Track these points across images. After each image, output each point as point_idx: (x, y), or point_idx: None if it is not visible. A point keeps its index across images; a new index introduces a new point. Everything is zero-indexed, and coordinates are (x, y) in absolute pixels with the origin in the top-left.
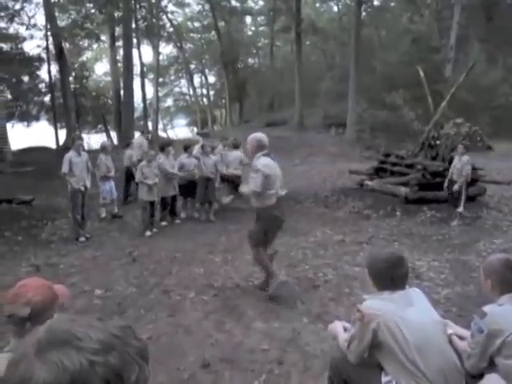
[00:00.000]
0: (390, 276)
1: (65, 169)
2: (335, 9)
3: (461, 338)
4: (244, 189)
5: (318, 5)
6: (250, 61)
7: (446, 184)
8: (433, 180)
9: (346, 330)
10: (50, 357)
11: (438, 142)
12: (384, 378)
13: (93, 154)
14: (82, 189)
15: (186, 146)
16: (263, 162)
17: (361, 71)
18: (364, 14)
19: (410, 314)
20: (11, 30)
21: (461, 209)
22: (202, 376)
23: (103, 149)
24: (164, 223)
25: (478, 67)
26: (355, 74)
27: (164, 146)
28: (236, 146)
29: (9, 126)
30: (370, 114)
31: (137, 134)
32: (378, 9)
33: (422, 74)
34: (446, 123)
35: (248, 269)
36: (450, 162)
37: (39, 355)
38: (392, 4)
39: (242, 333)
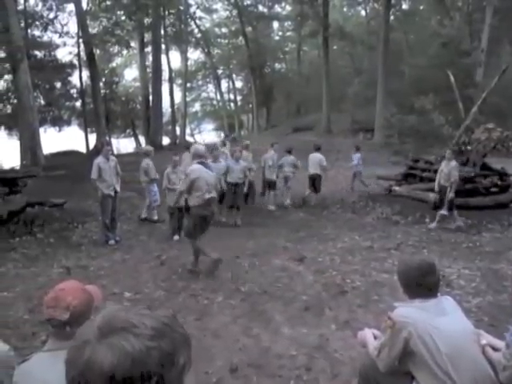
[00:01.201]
0: (422, 283)
1: (94, 174)
2: (363, 13)
3: (495, 348)
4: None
5: (345, 9)
6: (277, 66)
7: (437, 188)
8: (463, 186)
9: (375, 337)
10: (112, 342)
11: (468, 148)
12: None
13: (120, 157)
14: (112, 194)
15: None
16: (193, 169)
17: (389, 75)
18: (392, 17)
19: (443, 322)
20: (45, 38)
21: (444, 211)
22: (230, 380)
23: (148, 154)
24: (176, 237)
25: (511, 71)
26: (383, 79)
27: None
28: (289, 151)
29: (41, 130)
30: (398, 119)
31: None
32: (406, 12)
33: (452, 78)
34: (477, 128)
35: (275, 274)
36: (482, 168)
37: (102, 341)
38: (421, 7)
39: (269, 338)
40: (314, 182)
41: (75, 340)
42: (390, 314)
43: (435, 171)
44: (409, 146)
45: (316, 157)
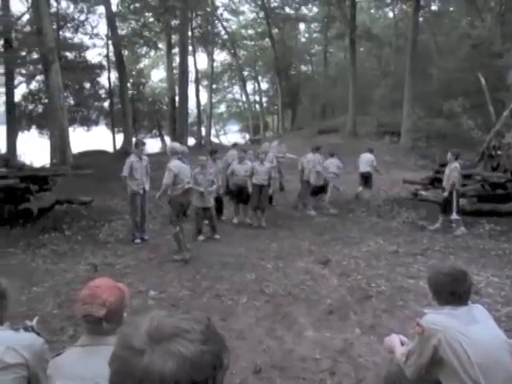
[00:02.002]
0: (453, 291)
1: (125, 172)
2: (390, 14)
3: None
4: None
5: (372, 11)
6: (303, 67)
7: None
8: (493, 192)
9: (402, 343)
10: (168, 348)
11: (499, 152)
12: None
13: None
14: (141, 192)
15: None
16: (174, 164)
17: (416, 78)
18: (421, 19)
19: (474, 331)
20: (76, 40)
21: (454, 215)
22: (254, 382)
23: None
24: (201, 237)
25: None
26: (411, 81)
27: (212, 152)
28: (332, 154)
29: (70, 130)
30: (425, 122)
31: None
32: (435, 14)
33: (483, 80)
34: (508, 132)
35: (299, 276)
36: None
37: (156, 348)
38: (451, 8)
39: (293, 340)
40: (366, 179)
41: (121, 348)
42: (418, 320)
43: (463, 176)
44: (436, 149)
45: (368, 157)
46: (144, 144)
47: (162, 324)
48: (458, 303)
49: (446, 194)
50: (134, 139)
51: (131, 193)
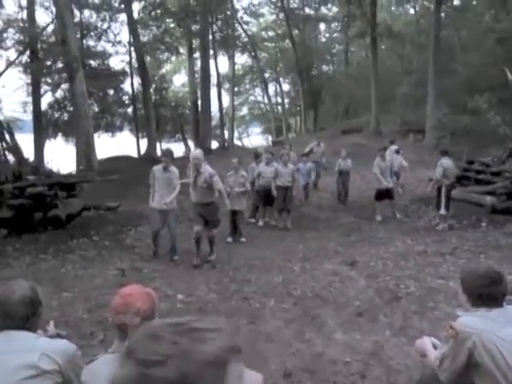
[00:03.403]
0: (488, 293)
1: (150, 180)
2: (412, 11)
3: None
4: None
5: (393, 8)
6: (325, 68)
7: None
8: None
9: (435, 346)
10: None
11: None
12: None
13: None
14: (158, 207)
15: (257, 154)
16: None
17: (440, 75)
18: (443, 14)
19: (510, 333)
20: (99, 48)
21: (442, 211)
22: None
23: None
24: (229, 239)
25: None
26: (434, 78)
27: (257, 154)
28: (397, 152)
29: (95, 136)
30: (450, 120)
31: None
32: (458, 8)
33: (509, 75)
34: None
35: (327, 278)
36: None
37: (192, 341)
38: (474, 2)
39: (322, 343)
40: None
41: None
42: (452, 323)
43: (492, 173)
44: (462, 147)
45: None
46: (168, 156)
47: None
48: (493, 305)
49: (429, 189)
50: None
51: (150, 207)
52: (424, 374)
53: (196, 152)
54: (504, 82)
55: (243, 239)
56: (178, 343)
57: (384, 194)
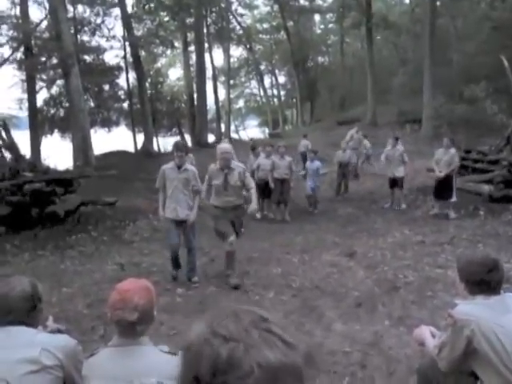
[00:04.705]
0: (486, 280)
1: (158, 182)
2: (407, 0)
3: None
4: None
5: None
6: (320, 59)
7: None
8: None
9: (433, 335)
10: (270, 335)
11: None
12: None
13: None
14: (174, 217)
15: (253, 147)
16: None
17: (436, 64)
18: (438, 3)
19: (508, 321)
20: (93, 43)
21: (454, 198)
22: None
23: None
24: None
25: None
26: (430, 68)
27: (254, 147)
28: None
29: (92, 131)
30: (447, 109)
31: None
32: None
33: (506, 63)
34: None
35: (325, 269)
36: None
37: (262, 340)
38: None
39: (322, 334)
40: None
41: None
42: (450, 311)
43: (489, 162)
44: (459, 136)
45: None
46: (181, 149)
47: (255, 318)
48: (491, 293)
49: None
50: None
51: (161, 218)
52: (423, 362)
53: (225, 145)
54: (500, 70)
55: (242, 229)
56: (248, 333)
57: (393, 183)
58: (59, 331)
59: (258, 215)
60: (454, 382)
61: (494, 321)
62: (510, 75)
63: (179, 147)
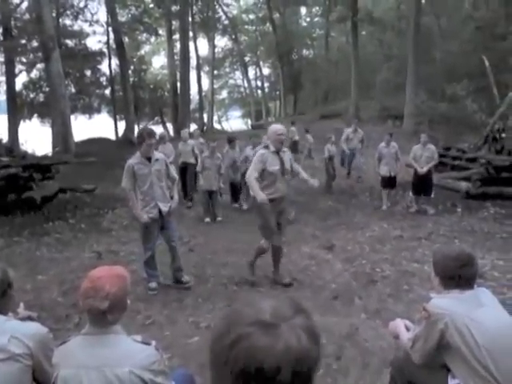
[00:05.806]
0: (460, 275)
1: (125, 182)
2: None
3: None
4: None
5: None
6: (305, 52)
7: (424, 171)
8: (497, 175)
9: (407, 328)
10: (296, 323)
11: (503, 135)
12: (451, 381)
13: None
14: (155, 216)
15: (230, 139)
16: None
17: (419, 61)
18: (423, 1)
19: (481, 315)
20: (76, 27)
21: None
22: None
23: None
24: (207, 219)
25: None
26: (413, 65)
27: (231, 139)
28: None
29: (72, 118)
30: (428, 106)
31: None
32: None
33: (487, 63)
34: None
35: (304, 262)
36: None
37: (287, 326)
38: None
39: None
40: None
41: (244, 326)
42: (425, 304)
43: (467, 160)
44: (439, 133)
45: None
46: (151, 136)
47: (281, 305)
48: (465, 287)
49: (425, 169)
50: (151, 128)
51: (140, 221)
52: (397, 355)
53: (279, 125)
54: (482, 70)
55: (219, 218)
56: (295, 318)
57: (388, 182)
58: (30, 318)
59: (245, 206)
60: (426, 375)
61: (466, 315)
62: (490, 75)
63: (150, 134)
